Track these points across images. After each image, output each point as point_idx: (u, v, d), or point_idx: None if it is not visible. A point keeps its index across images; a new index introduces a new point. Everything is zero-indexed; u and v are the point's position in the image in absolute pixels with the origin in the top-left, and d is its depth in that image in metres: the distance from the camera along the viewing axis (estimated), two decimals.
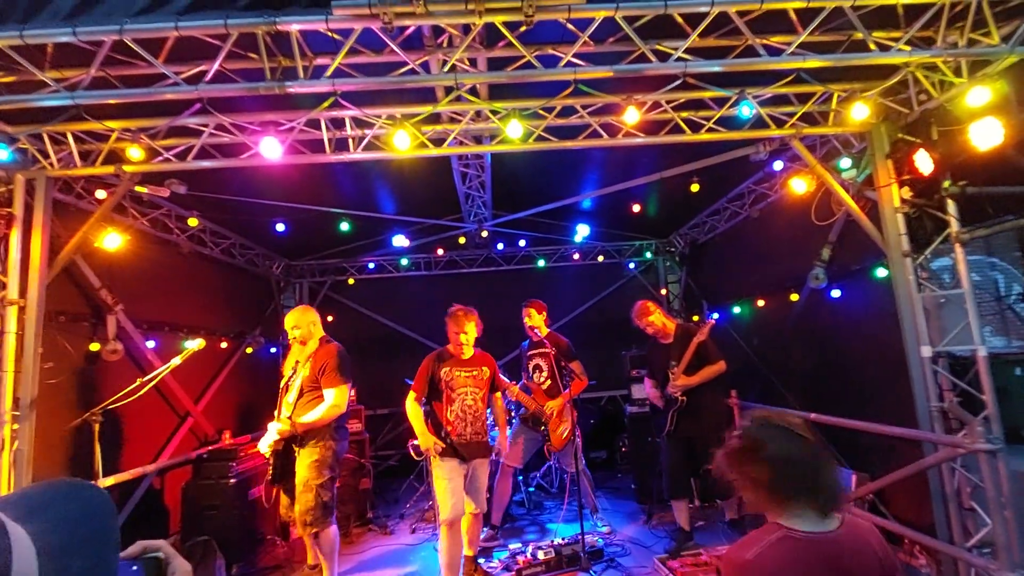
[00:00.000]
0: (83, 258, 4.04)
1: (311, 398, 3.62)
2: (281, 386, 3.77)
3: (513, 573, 3.90)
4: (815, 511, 1.37)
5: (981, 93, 2.95)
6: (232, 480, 4.30)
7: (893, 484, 3.52)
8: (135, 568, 0.73)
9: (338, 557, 3.86)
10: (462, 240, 7.26)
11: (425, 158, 4.19)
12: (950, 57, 3.03)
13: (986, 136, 2.88)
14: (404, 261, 7.63)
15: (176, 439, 4.91)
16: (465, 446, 3.65)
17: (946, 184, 3.26)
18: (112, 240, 4.03)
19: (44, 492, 0.65)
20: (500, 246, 7.60)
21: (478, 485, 3.71)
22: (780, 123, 3.80)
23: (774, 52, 3.01)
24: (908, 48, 2.96)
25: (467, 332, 3.66)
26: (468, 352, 3.73)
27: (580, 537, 3.95)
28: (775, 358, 5.53)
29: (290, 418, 3.54)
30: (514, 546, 4.37)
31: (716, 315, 4.43)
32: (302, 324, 3.81)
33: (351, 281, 7.68)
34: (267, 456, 3.59)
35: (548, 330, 4.60)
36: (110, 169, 3.59)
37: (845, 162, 3.96)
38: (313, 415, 3.50)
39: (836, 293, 4.52)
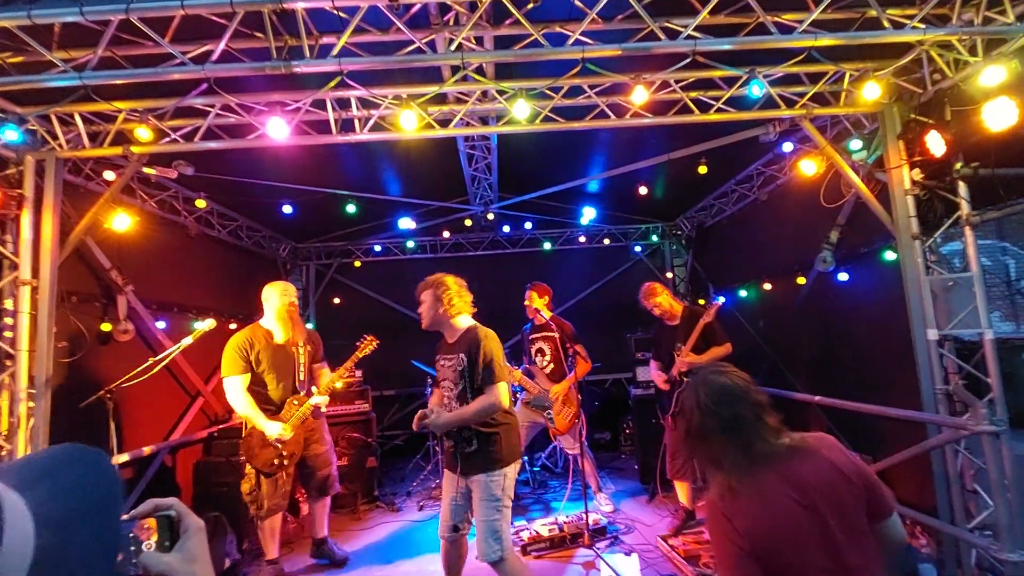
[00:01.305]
0: (93, 239, 4.08)
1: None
2: (270, 361, 3.67)
3: (519, 549, 3.98)
4: (744, 450, 1.50)
5: (995, 72, 2.90)
6: (243, 457, 4.37)
7: (896, 466, 3.54)
8: (147, 526, 0.72)
9: (345, 533, 3.98)
10: (468, 222, 7.26)
11: (431, 140, 4.18)
12: (965, 35, 2.97)
13: (1000, 117, 2.84)
14: (410, 243, 7.65)
15: (187, 418, 5.00)
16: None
17: (958, 166, 3.22)
18: (121, 221, 4.06)
19: (48, 459, 0.63)
20: (506, 229, 7.59)
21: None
22: (790, 103, 3.75)
23: (786, 30, 2.96)
24: (923, 26, 2.91)
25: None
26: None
27: (584, 515, 4.02)
28: (781, 341, 5.53)
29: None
30: (519, 523, 4.45)
31: (722, 298, 4.41)
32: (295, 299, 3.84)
33: (357, 263, 7.72)
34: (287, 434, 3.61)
35: (551, 313, 4.61)
36: (118, 150, 3.60)
37: (856, 143, 3.91)
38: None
39: (844, 276, 4.50)
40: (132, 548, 0.70)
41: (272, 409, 3.69)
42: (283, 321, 3.75)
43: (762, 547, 1.38)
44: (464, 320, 2.99)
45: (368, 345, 3.99)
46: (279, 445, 3.61)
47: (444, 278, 3.01)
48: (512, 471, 2.82)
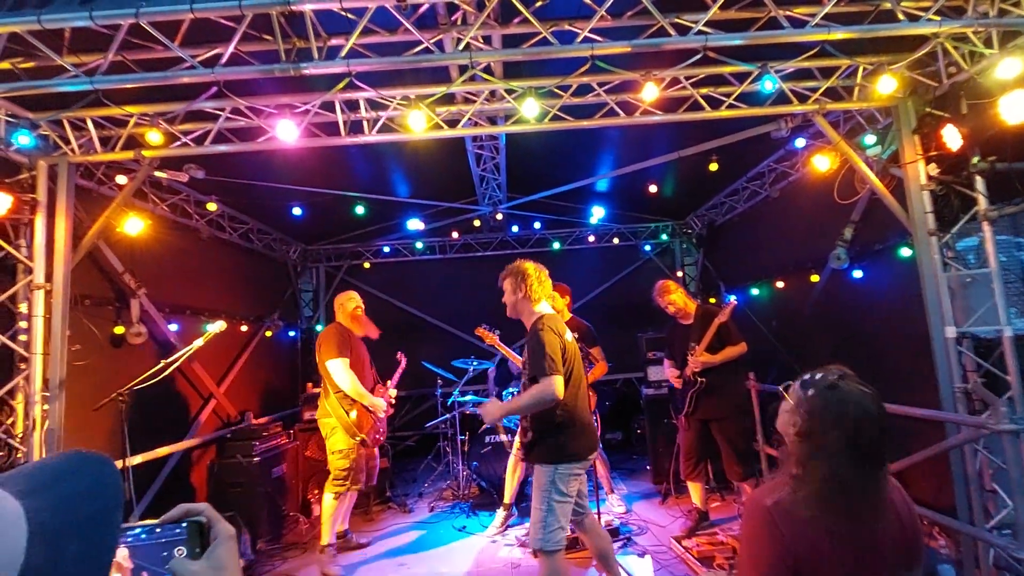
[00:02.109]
0: (106, 243, 4.12)
1: None
2: (355, 353, 4.23)
3: (531, 550, 3.96)
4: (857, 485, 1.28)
5: (1012, 65, 2.84)
6: (256, 459, 4.41)
7: (913, 465, 3.48)
8: (178, 531, 0.71)
9: (357, 534, 4.04)
10: (477, 223, 7.25)
11: (439, 140, 4.17)
12: (981, 27, 2.92)
13: (1017, 110, 2.78)
14: (419, 244, 7.65)
15: (200, 419, 5.03)
16: None
17: (975, 160, 3.16)
18: (134, 225, 4.09)
19: (56, 466, 0.61)
20: (515, 229, 7.57)
21: None
22: (803, 98, 3.70)
23: (798, 24, 2.92)
24: (938, 17, 2.85)
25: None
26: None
27: (596, 516, 3.99)
28: (794, 340, 5.47)
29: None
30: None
31: (735, 297, 4.37)
32: None
33: (367, 265, 7.74)
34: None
35: (571, 314, 4.61)
36: (130, 154, 3.63)
37: (870, 138, 3.86)
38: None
39: (858, 273, 4.44)
40: (164, 554, 0.69)
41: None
42: (355, 321, 4.30)
43: (798, 560, 1.28)
44: (542, 307, 2.98)
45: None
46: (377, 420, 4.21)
47: (524, 264, 3.03)
48: (566, 469, 2.75)
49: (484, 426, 5.34)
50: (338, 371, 3.99)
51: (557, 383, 2.64)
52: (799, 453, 1.34)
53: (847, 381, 1.36)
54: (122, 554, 0.68)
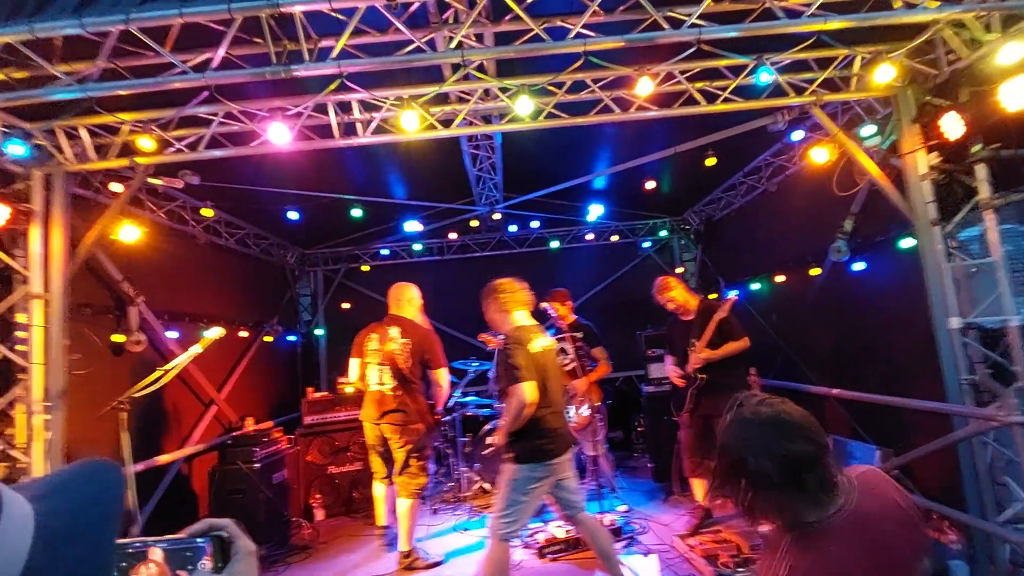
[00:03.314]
0: (104, 251, 4.09)
1: None
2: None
3: (535, 551, 3.94)
4: (810, 502, 1.24)
5: (1013, 50, 2.80)
6: (257, 465, 4.39)
7: (920, 459, 3.45)
8: (202, 544, 0.75)
9: (361, 538, 4.02)
10: (474, 223, 7.23)
11: (434, 141, 4.14)
12: (981, 12, 2.88)
13: (1019, 96, 2.74)
14: (417, 246, 7.64)
15: (201, 426, 5.02)
16: None
17: (976, 148, 3.12)
18: (130, 233, 4.07)
19: (69, 473, 0.65)
20: (513, 228, 7.54)
21: None
22: (800, 90, 3.66)
23: (793, 14, 2.89)
24: (937, 3, 2.81)
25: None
26: None
27: (599, 516, 3.96)
28: (796, 334, 5.43)
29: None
30: (535, 525, 4.40)
31: (735, 292, 4.33)
32: None
33: (365, 268, 7.72)
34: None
35: (574, 317, 4.60)
36: (124, 162, 3.61)
37: (868, 129, 3.81)
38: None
39: (859, 266, 4.39)
40: (189, 567, 0.74)
41: None
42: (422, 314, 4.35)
43: None
44: (516, 317, 3.17)
45: None
46: None
47: (495, 283, 3.22)
48: (530, 470, 2.95)
49: (485, 428, 5.32)
50: (448, 375, 4.12)
51: (526, 388, 2.83)
52: (757, 508, 1.28)
53: (756, 407, 1.31)
54: (159, 554, 0.73)
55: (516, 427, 2.93)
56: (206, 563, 0.74)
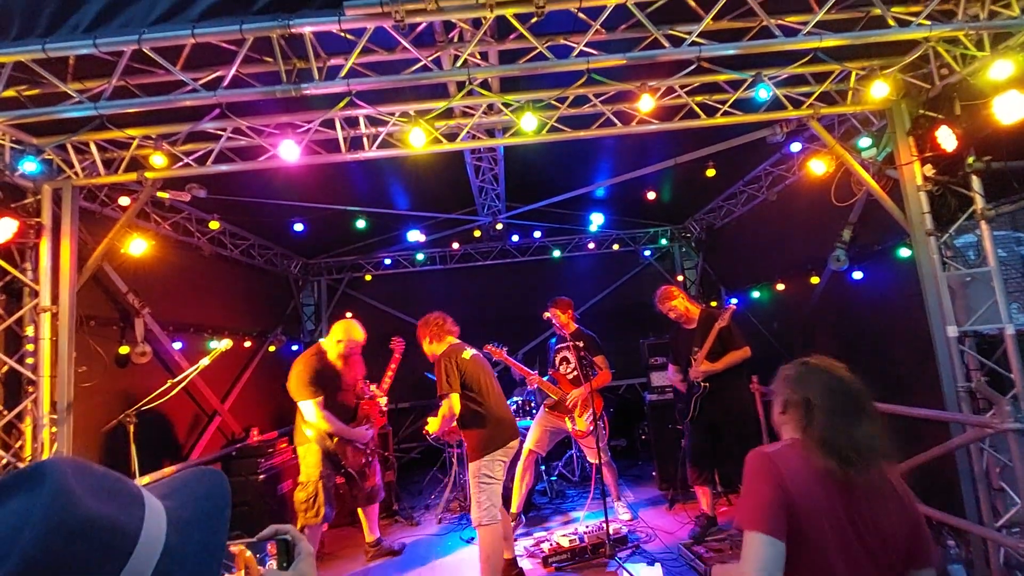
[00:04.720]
0: (109, 264, 4.14)
1: None
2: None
3: (539, 560, 3.96)
4: (836, 460, 1.41)
5: (1004, 66, 2.88)
6: (261, 476, 4.41)
7: (919, 465, 3.48)
8: (269, 547, 0.87)
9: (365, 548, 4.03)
10: (477, 233, 7.28)
11: (438, 153, 4.20)
12: (972, 30, 2.96)
13: (1010, 110, 2.82)
14: (420, 256, 7.68)
15: (205, 437, 5.04)
16: None
17: (970, 160, 3.19)
18: (137, 246, 4.12)
19: (182, 477, 0.81)
20: (515, 238, 7.60)
21: None
22: (797, 104, 3.74)
23: (790, 32, 2.96)
24: (928, 22, 2.90)
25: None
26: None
27: (604, 524, 3.99)
28: (796, 342, 5.48)
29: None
30: (539, 534, 4.42)
31: (736, 300, 4.39)
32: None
33: (368, 277, 7.76)
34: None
35: (576, 326, 4.65)
36: (132, 176, 3.66)
37: (865, 141, 3.89)
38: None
39: (858, 275, 4.46)
40: (259, 567, 0.88)
41: None
42: (341, 359, 4.18)
43: (794, 503, 1.36)
44: (446, 343, 3.71)
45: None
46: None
47: (425, 318, 3.78)
48: (490, 457, 3.47)
49: None
50: (309, 412, 3.89)
51: (452, 400, 3.46)
52: (792, 421, 1.54)
53: (815, 358, 1.61)
54: (242, 550, 0.89)
55: (465, 426, 3.55)
56: (272, 563, 0.86)
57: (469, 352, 3.66)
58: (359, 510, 4.41)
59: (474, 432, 3.52)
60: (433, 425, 3.73)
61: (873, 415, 1.48)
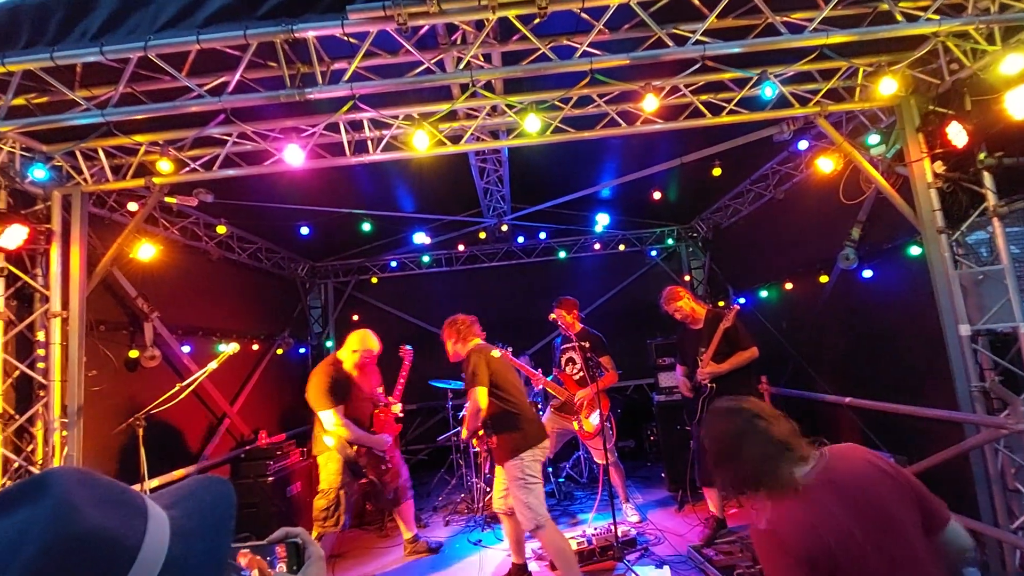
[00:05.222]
0: (119, 268, 4.18)
1: None
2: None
3: (548, 563, 3.94)
4: (783, 473, 1.46)
5: (1016, 60, 2.83)
6: (270, 478, 4.43)
7: (933, 466, 3.44)
8: (278, 549, 0.87)
9: (373, 550, 4.04)
10: (482, 235, 7.28)
11: (442, 155, 4.21)
12: (982, 24, 2.91)
13: (1022, 105, 2.77)
14: (426, 258, 7.70)
15: (214, 440, 5.07)
16: None
17: (982, 156, 3.14)
18: (146, 250, 4.16)
19: (187, 486, 0.81)
20: (520, 239, 7.60)
21: None
22: (804, 101, 3.70)
23: (795, 29, 2.93)
24: (937, 17, 2.85)
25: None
26: None
27: (612, 526, 3.96)
28: (806, 342, 5.43)
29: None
30: None
31: (741, 300, 4.35)
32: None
33: (374, 280, 7.79)
34: None
35: (581, 326, 4.64)
36: (141, 182, 3.70)
37: (873, 138, 3.84)
38: None
39: (868, 273, 4.40)
40: (271, 572, 0.87)
41: None
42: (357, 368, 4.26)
43: (815, 554, 1.36)
44: (473, 343, 3.69)
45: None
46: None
47: (453, 319, 3.77)
48: (529, 455, 3.42)
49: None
50: (330, 421, 3.92)
51: (478, 392, 3.40)
52: (751, 495, 1.54)
53: (725, 408, 1.65)
54: (252, 557, 0.88)
55: (498, 426, 3.48)
56: (281, 566, 0.85)
57: (497, 352, 3.67)
58: (394, 514, 4.57)
59: (508, 433, 3.47)
60: (463, 431, 3.80)
61: (770, 429, 1.53)
